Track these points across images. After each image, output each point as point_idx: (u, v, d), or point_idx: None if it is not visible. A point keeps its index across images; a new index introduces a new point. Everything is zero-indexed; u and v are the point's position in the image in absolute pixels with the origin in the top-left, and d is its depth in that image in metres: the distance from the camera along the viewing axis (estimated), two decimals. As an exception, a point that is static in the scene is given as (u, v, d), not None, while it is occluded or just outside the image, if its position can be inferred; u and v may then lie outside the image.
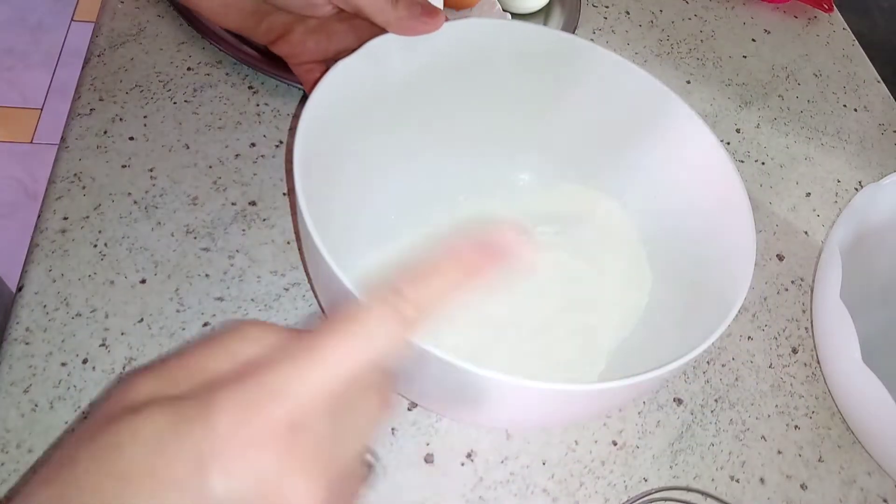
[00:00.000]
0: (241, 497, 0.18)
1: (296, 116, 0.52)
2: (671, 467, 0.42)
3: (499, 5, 0.57)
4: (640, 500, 0.40)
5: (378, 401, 0.23)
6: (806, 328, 0.50)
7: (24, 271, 0.41)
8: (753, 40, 0.69)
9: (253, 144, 0.50)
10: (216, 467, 0.18)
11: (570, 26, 0.61)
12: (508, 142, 0.47)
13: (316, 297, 0.44)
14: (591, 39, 0.44)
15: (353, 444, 0.22)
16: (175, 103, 0.51)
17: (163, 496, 0.18)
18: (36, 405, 0.37)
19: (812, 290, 0.51)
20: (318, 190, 0.34)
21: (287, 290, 0.44)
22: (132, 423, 0.19)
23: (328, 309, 0.42)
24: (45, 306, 0.40)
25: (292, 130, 0.51)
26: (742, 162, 0.57)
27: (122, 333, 0.40)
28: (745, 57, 0.67)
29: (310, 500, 0.19)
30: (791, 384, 0.47)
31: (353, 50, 0.37)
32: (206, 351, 0.21)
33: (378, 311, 0.21)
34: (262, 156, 0.49)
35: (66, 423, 0.37)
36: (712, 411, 0.44)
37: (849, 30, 0.73)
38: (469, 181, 0.47)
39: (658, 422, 0.43)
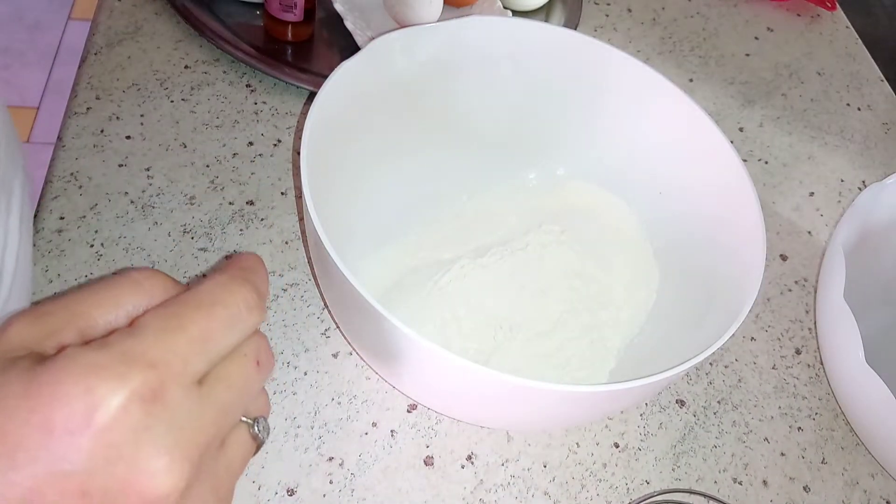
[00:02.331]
0: (91, 469, 0.17)
1: (295, 115, 0.52)
2: (673, 469, 0.41)
3: (499, 3, 0.57)
4: (642, 503, 0.39)
5: (252, 364, 0.21)
6: (809, 329, 0.49)
7: (19, 272, 0.41)
8: (756, 38, 0.68)
9: (251, 143, 0.49)
10: (63, 435, 0.17)
11: (572, 23, 0.60)
12: (513, 140, 0.47)
13: (321, 295, 0.43)
14: (593, 37, 0.43)
15: (228, 413, 0.20)
16: (172, 102, 0.50)
17: (11, 458, 0.17)
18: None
19: (815, 291, 0.51)
20: (324, 191, 0.34)
21: (285, 290, 0.43)
22: None
23: (332, 309, 0.42)
24: (40, 307, 0.40)
25: (291, 129, 0.51)
26: (745, 161, 0.57)
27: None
28: (747, 55, 0.66)
29: (168, 476, 0.18)
30: (794, 385, 0.46)
31: None
32: (91, 296, 0.20)
33: (242, 287, 0.21)
34: (259, 154, 0.49)
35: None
36: (715, 413, 0.44)
37: (852, 28, 0.72)
38: (474, 180, 0.47)
39: (660, 424, 0.43)
